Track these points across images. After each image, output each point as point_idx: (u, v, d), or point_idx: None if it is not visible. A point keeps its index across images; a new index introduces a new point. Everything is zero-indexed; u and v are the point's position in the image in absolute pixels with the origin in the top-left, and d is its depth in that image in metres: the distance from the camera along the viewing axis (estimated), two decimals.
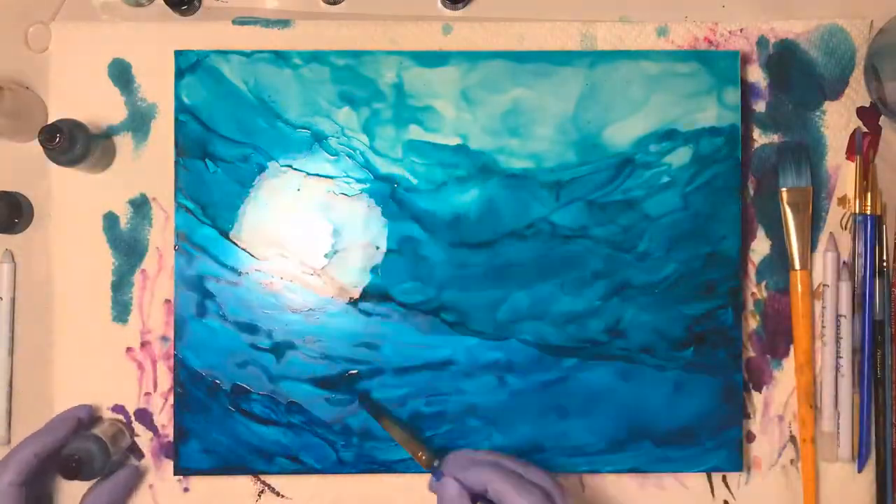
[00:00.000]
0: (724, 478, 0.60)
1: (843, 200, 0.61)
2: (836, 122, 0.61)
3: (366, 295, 0.58)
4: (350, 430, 0.58)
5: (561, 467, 0.59)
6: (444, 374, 0.58)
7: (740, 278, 0.59)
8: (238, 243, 0.58)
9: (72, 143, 0.55)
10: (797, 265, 0.60)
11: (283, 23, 0.61)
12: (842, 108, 0.61)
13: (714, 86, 0.59)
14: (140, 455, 0.60)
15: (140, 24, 0.61)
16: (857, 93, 0.61)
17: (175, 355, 0.58)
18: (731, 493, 0.60)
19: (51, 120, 0.60)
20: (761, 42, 0.61)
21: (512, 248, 0.58)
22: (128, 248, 0.60)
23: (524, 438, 0.58)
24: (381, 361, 0.58)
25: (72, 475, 0.53)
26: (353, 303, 0.58)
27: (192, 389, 0.58)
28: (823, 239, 0.61)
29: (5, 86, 0.56)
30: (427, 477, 0.55)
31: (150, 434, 0.60)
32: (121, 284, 0.60)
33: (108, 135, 0.60)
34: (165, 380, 0.60)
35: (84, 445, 0.54)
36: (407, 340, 0.58)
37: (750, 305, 0.60)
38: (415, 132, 0.58)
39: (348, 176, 0.59)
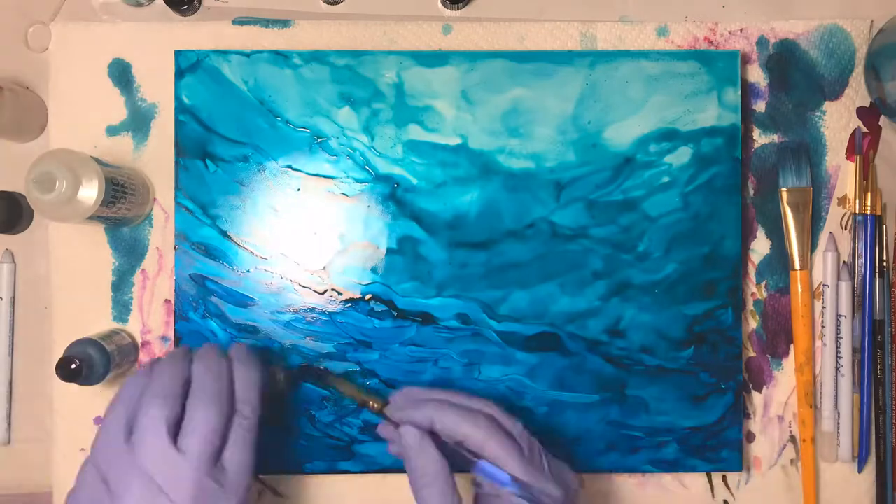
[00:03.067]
0: (724, 478, 0.60)
1: (843, 200, 0.61)
2: (836, 122, 0.61)
3: (366, 295, 0.58)
4: (350, 430, 0.58)
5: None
6: (444, 373, 0.58)
7: (740, 278, 0.59)
8: (238, 243, 0.58)
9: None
10: (797, 265, 0.60)
11: (283, 23, 0.61)
12: (842, 108, 0.61)
13: (714, 86, 0.59)
14: None
15: (140, 24, 0.61)
16: (857, 93, 0.61)
17: None
18: (731, 493, 0.60)
19: (50, 119, 0.60)
20: (761, 42, 0.61)
21: (512, 248, 0.58)
22: (128, 248, 0.60)
23: None
24: (381, 361, 0.58)
25: (70, 378, 0.53)
26: (354, 303, 0.58)
27: None
28: (823, 239, 0.61)
29: (5, 86, 0.56)
30: None
31: None
32: (121, 284, 0.60)
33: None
34: None
35: (84, 350, 0.54)
36: (407, 340, 0.58)
37: (750, 305, 0.60)
38: (415, 132, 0.59)
39: (348, 176, 0.59)
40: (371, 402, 0.54)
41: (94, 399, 0.60)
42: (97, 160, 0.53)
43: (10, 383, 0.60)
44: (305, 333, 0.58)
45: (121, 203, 0.55)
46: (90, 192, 0.52)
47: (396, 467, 0.58)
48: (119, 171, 0.56)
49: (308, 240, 0.59)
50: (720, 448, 0.59)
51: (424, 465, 0.46)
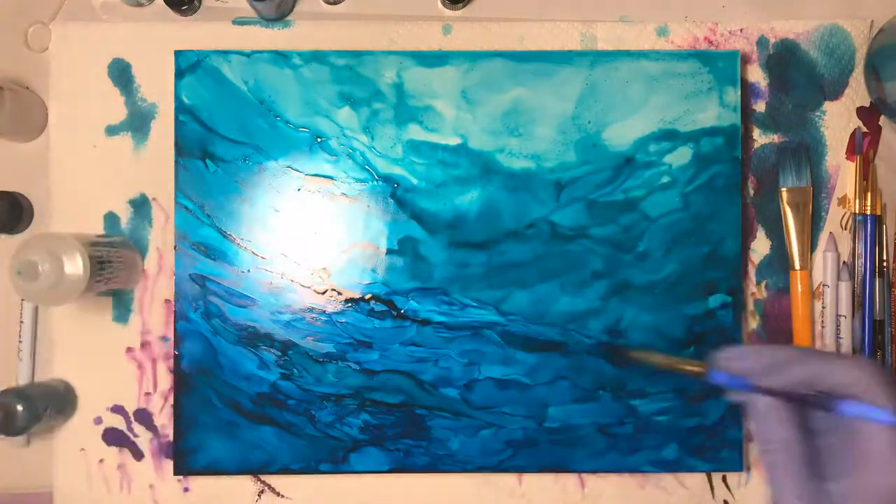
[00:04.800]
0: (724, 478, 0.60)
1: (843, 200, 0.61)
2: (836, 122, 0.61)
3: (366, 294, 0.58)
4: (350, 430, 0.58)
5: (560, 465, 0.59)
6: (444, 373, 0.58)
7: (740, 278, 0.59)
8: (238, 243, 0.58)
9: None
10: (797, 265, 0.60)
11: (283, 23, 0.61)
12: (842, 108, 0.61)
13: (714, 86, 0.59)
14: (140, 455, 0.60)
15: (140, 24, 0.61)
16: (857, 93, 0.61)
17: (175, 355, 0.58)
18: (731, 493, 0.60)
19: (50, 119, 0.60)
20: (761, 42, 0.61)
21: (512, 248, 0.58)
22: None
23: (520, 435, 0.58)
24: (381, 361, 0.58)
25: None
26: (354, 302, 0.58)
27: (192, 389, 0.58)
28: (823, 239, 0.61)
29: (5, 86, 0.56)
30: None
31: (150, 434, 0.60)
32: None
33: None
34: (165, 380, 0.60)
35: (8, 400, 0.54)
36: (407, 340, 0.58)
37: (750, 305, 0.60)
38: (415, 132, 0.59)
39: (348, 176, 0.59)
40: (690, 367, 0.49)
41: (94, 398, 0.60)
42: (76, 239, 0.53)
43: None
44: (305, 333, 0.58)
45: (109, 273, 0.55)
46: (75, 270, 0.52)
47: (397, 467, 0.58)
48: (104, 242, 0.56)
49: (308, 240, 0.59)
50: (720, 448, 0.59)
51: (770, 432, 0.44)
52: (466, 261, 0.58)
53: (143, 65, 0.60)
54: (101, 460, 0.60)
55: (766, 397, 0.44)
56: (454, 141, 0.59)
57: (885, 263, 0.60)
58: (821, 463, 0.44)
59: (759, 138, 0.61)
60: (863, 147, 0.61)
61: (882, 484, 0.40)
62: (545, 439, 0.59)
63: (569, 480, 0.60)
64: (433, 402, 0.58)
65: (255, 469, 0.59)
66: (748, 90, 0.61)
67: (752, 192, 0.61)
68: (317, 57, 0.59)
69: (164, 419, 0.60)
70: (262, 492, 0.60)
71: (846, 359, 0.44)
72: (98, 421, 0.60)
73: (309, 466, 0.58)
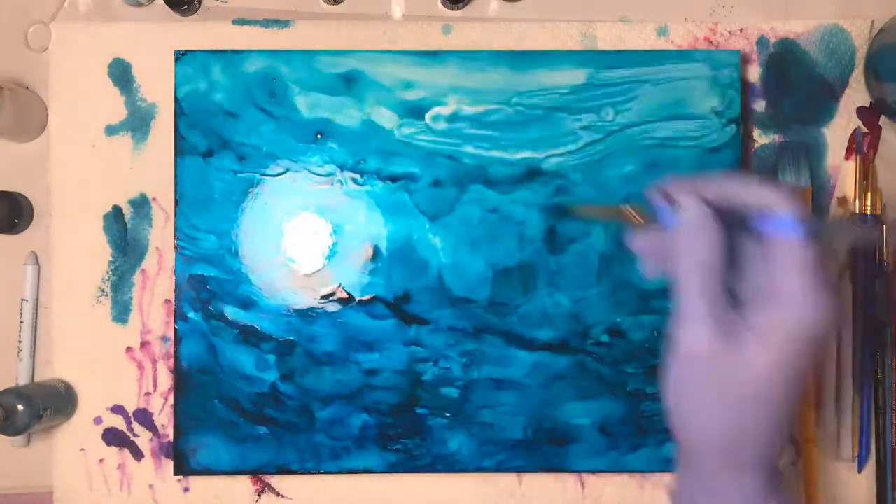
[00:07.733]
0: None
1: (843, 200, 0.61)
2: (836, 122, 0.61)
3: (365, 295, 0.58)
4: (350, 430, 0.58)
5: (560, 465, 0.59)
6: (444, 373, 0.58)
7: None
8: (238, 243, 0.58)
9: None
10: None
11: (283, 23, 0.61)
12: (842, 109, 0.61)
13: (714, 86, 0.59)
14: (140, 455, 0.60)
15: (140, 24, 0.61)
16: (857, 93, 0.61)
17: (175, 355, 0.58)
18: None
19: (50, 119, 0.60)
20: (761, 42, 0.61)
21: (512, 248, 0.58)
22: (128, 248, 0.60)
23: (520, 435, 0.58)
24: (381, 362, 0.58)
25: None
26: (354, 303, 0.58)
27: (192, 389, 0.58)
28: None
29: (5, 86, 0.56)
30: None
31: (150, 434, 0.60)
32: (121, 284, 0.60)
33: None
34: (165, 380, 0.60)
35: (8, 400, 0.54)
36: (407, 340, 0.58)
37: None
38: (415, 132, 0.58)
39: (349, 175, 0.59)
40: (633, 211, 0.47)
41: (94, 398, 0.60)
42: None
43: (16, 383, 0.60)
44: (305, 333, 0.58)
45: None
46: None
47: (397, 468, 0.58)
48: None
49: (308, 240, 0.59)
50: None
51: (699, 251, 0.41)
52: (467, 260, 0.58)
53: (143, 65, 0.60)
54: (101, 460, 0.60)
55: (701, 207, 0.41)
56: (454, 141, 0.59)
57: (885, 263, 0.60)
58: (736, 294, 0.41)
59: (759, 138, 0.61)
60: (863, 147, 0.61)
61: (793, 317, 0.38)
62: (545, 439, 0.59)
63: (569, 480, 0.60)
64: (433, 402, 0.58)
65: (255, 469, 0.59)
66: (748, 90, 0.61)
67: None
68: (317, 57, 0.59)
69: (164, 419, 0.60)
70: (262, 492, 0.60)
71: (760, 180, 0.41)
72: (98, 421, 0.60)
73: (309, 466, 0.58)
